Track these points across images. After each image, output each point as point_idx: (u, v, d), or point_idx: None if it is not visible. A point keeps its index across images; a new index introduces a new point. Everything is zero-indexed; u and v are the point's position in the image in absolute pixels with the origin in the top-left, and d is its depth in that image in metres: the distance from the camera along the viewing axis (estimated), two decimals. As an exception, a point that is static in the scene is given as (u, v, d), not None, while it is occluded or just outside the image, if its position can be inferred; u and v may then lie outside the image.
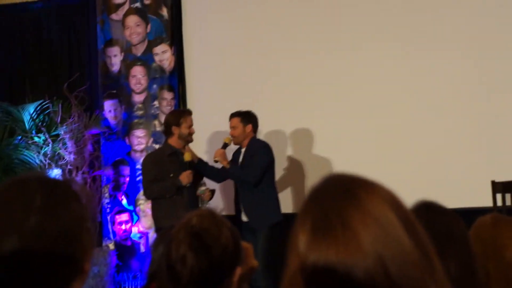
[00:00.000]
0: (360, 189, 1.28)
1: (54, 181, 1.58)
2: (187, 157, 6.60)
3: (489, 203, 6.75)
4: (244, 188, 6.84)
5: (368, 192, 1.27)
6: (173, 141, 6.71)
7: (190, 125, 6.70)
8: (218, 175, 6.99)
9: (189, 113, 6.79)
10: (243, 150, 6.92)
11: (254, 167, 6.73)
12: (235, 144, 6.95)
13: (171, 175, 6.58)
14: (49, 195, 1.52)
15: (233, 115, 6.94)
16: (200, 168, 6.81)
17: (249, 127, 6.88)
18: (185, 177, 6.51)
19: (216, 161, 6.74)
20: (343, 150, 7.49)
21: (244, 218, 6.79)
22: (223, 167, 6.76)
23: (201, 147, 7.79)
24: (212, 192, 6.83)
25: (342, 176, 1.33)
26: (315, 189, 1.32)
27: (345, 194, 1.27)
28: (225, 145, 6.81)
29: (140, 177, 7.97)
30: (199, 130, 7.88)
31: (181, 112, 6.85)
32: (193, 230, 2.17)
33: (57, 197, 1.53)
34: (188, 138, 6.72)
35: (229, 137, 6.89)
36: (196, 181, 6.69)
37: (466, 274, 1.97)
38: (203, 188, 6.65)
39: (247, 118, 6.91)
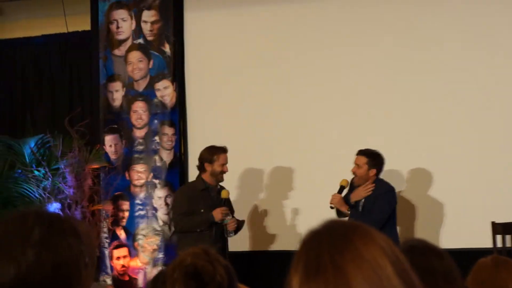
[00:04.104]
0: (355, 235, 1.28)
1: (53, 216, 1.59)
2: (224, 194, 6.57)
3: (489, 244, 6.74)
4: None
5: (363, 238, 1.28)
6: (206, 177, 6.66)
7: (223, 163, 6.62)
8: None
9: (224, 151, 6.67)
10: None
11: (376, 213, 6.35)
12: (356, 184, 6.54)
13: (202, 210, 6.55)
14: (47, 230, 1.53)
15: (361, 153, 6.54)
16: None
17: (373, 172, 6.48)
18: (219, 213, 6.46)
19: (332, 207, 6.52)
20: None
21: None
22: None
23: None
24: (240, 223, 6.70)
25: (339, 221, 1.34)
26: (311, 232, 1.33)
27: (340, 238, 1.28)
28: (341, 189, 6.52)
29: (139, 212, 8.00)
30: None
31: (215, 149, 6.68)
32: (188, 269, 2.16)
33: (55, 232, 1.53)
34: (219, 177, 6.65)
35: (346, 180, 6.56)
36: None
37: None
38: (229, 217, 6.52)
39: (374, 161, 6.51)
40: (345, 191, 6.63)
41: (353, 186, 6.61)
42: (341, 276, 1.22)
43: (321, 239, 1.29)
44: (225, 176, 6.69)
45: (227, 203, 6.64)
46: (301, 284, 1.25)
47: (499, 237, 6.81)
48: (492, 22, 7.27)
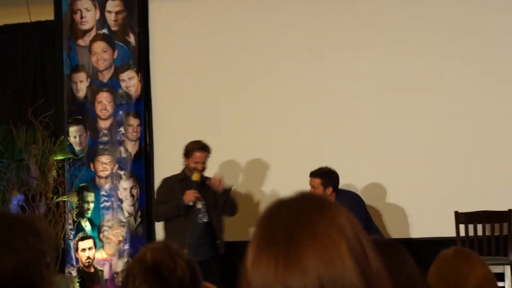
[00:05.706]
0: (313, 210, 1.24)
1: (13, 216, 1.57)
2: (194, 177, 6.66)
3: (452, 234, 6.81)
4: None
5: (322, 214, 1.23)
6: (187, 168, 6.80)
7: (196, 161, 6.71)
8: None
9: (198, 149, 6.74)
10: None
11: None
12: None
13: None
14: (7, 231, 1.51)
15: (313, 175, 6.67)
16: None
17: (330, 190, 6.62)
18: (187, 195, 6.57)
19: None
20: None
21: None
22: None
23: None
24: (225, 192, 6.76)
25: (304, 195, 1.30)
26: (271, 206, 1.29)
27: (297, 213, 1.23)
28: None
29: (105, 203, 7.98)
30: (164, 157, 7.90)
31: (193, 145, 6.80)
32: (147, 264, 2.16)
33: (15, 233, 1.52)
34: (189, 173, 6.74)
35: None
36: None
37: None
38: (201, 202, 6.70)
39: (328, 180, 6.66)
40: None
41: None
42: (292, 250, 1.18)
43: (280, 211, 1.25)
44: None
45: (199, 187, 6.69)
46: (254, 255, 1.22)
47: (462, 227, 6.89)
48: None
